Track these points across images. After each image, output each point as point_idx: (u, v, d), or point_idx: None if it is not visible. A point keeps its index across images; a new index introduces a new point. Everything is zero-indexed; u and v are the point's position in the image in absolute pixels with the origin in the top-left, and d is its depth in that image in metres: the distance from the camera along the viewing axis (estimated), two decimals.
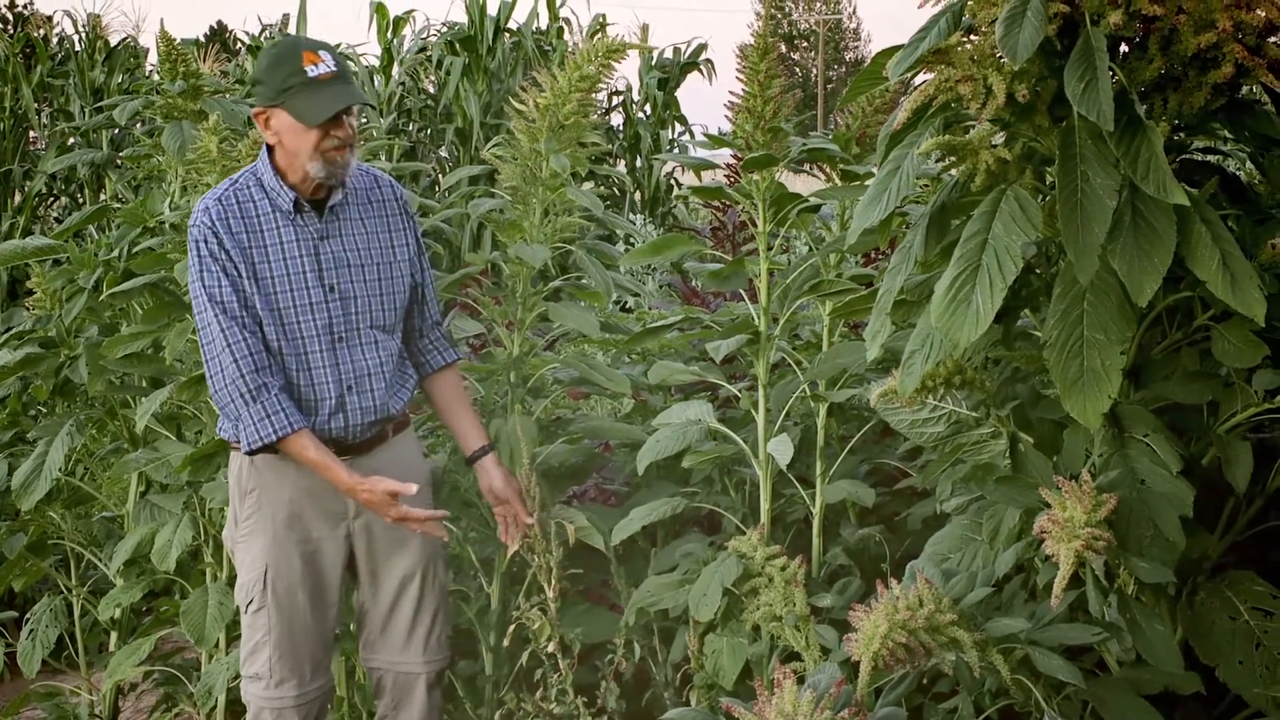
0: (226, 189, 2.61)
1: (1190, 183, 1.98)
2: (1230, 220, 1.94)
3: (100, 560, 3.71)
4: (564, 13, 12.08)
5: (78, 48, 10.52)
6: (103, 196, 9.41)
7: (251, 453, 2.58)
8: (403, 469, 2.68)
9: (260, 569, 2.65)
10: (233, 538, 2.72)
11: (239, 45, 12.82)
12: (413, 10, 10.71)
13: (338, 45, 10.48)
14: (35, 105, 10.19)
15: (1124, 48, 1.92)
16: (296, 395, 2.60)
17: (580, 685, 2.87)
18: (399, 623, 2.74)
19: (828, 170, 2.87)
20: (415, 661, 2.75)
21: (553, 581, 2.84)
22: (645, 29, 11.68)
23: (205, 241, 2.56)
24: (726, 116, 2.87)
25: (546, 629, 2.85)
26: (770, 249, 2.84)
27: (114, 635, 3.75)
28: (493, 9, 10.24)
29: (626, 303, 6.93)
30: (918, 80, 1.97)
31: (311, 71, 2.52)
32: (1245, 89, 1.91)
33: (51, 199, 10.11)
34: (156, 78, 3.77)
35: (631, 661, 2.88)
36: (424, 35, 10.96)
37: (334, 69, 2.54)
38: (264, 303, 2.57)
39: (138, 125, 4.86)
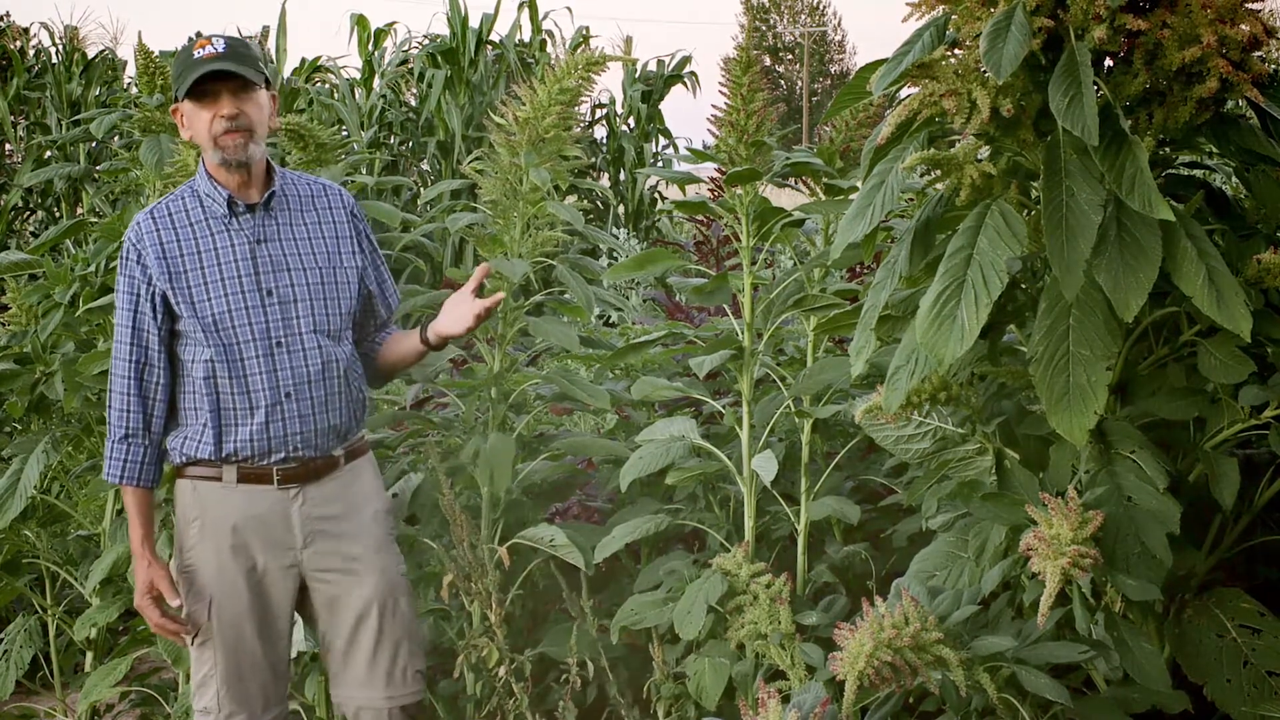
0: (162, 201, 2.62)
1: (1176, 197, 1.98)
2: (1216, 235, 1.94)
3: (76, 579, 3.66)
4: (547, 25, 12.10)
5: (55, 60, 10.47)
6: (79, 211, 9.36)
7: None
8: (352, 502, 2.64)
9: (205, 600, 2.60)
10: (179, 567, 2.65)
11: None
12: (394, 22, 10.70)
13: (317, 58, 10.48)
14: (11, 118, 10.13)
15: (1109, 62, 1.92)
16: (229, 404, 2.55)
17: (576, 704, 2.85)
18: (359, 657, 2.65)
19: (812, 184, 2.87)
20: (378, 696, 2.67)
21: (494, 607, 2.81)
22: (629, 41, 11.71)
23: (126, 258, 2.59)
24: (710, 130, 2.86)
25: (494, 655, 2.82)
26: (754, 264, 2.83)
27: (90, 655, 3.70)
28: (475, 21, 10.24)
29: (609, 318, 6.92)
30: (902, 94, 1.96)
31: (198, 54, 2.52)
32: (1230, 104, 1.91)
33: (28, 213, 10.05)
34: (134, 91, 3.74)
35: (612, 681, 2.85)
36: (405, 48, 10.96)
37: (219, 50, 2.52)
38: (192, 310, 2.54)
39: (115, 139, 4.82)
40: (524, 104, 3.00)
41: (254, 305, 2.55)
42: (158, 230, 2.56)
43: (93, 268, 3.46)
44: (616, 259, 8.23)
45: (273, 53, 10.50)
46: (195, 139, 2.58)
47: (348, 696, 2.70)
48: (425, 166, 10.43)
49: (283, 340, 2.56)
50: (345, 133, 8.95)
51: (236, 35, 2.63)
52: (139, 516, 2.61)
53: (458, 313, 2.66)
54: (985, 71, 1.79)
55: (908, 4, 1.93)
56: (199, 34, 2.78)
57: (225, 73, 2.50)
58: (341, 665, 2.69)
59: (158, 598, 2.58)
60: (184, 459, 2.60)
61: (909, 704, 2.07)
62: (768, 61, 48.69)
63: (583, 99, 3.07)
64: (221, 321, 2.53)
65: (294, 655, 2.83)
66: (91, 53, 10.62)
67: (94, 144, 8.90)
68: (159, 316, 2.56)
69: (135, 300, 2.56)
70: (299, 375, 2.57)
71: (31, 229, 9.93)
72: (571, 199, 3.39)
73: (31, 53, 10.86)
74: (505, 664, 2.79)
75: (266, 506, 2.58)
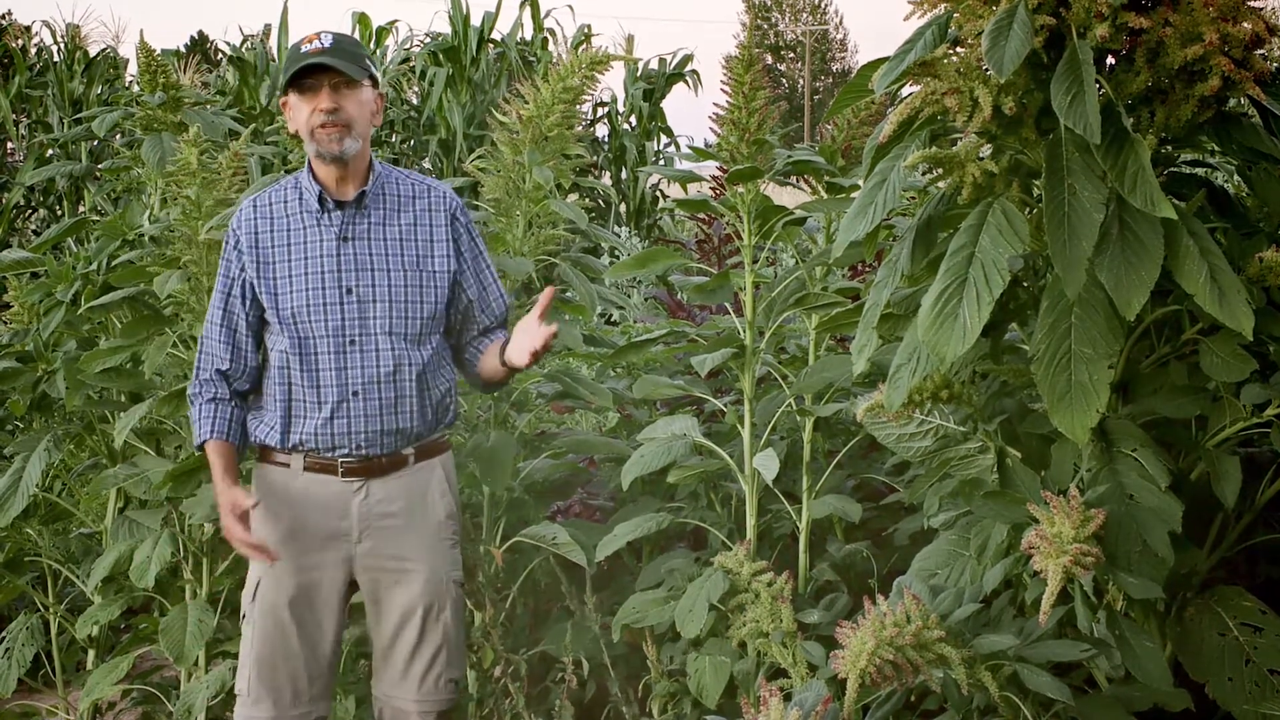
0: (268, 190, 2.69)
1: (1178, 195, 1.97)
2: (1218, 233, 1.94)
3: (78, 577, 3.66)
4: (548, 24, 12.10)
5: (56, 58, 10.49)
6: (81, 209, 9.38)
7: (199, 449, 2.66)
8: (415, 502, 2.62)
9: (254, 583, 2.62)
10: None
11: (220, 56, 12.80)
12: (396, 20, 10.72)
13: None
14: (13, 116, 10.14)
15: (1111, 60, 1.92)
16: (299, 396, 2.58)
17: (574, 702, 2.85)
18: (397, 657, 2.65)
19: (813, 183, 2.87)
20: (408, 699, 2.66)
21: (488, 607, 2.80)
22: (630, 40, 11.72)
23: (226, 241, 2.66)
24: (711, 128, 2.86)
25: (490, 654, 2.82)
26: (756, 262, 2.83)
27: (92, 653, 3.70)
28: (477, 20, 10.24)
29: (611, 316, 6.92)
30: (904, 93, 1.96)
31: (305, 49, 2.55)
32: (1232, 102, 1.91)
33: (29, 211, 10.06)
34: (136, 89, 3.74)
35: (613, 679, 2.86)
36: (407, 46, 10.97)
37: (325, 45, 2.54)
38: (272, 301, 2.57)
39: (117, 137, 4.82)
40: (527, 102, 3.01)
41: (332, 302, 2.56)
42: (255, 218, 2.62)
43: (94, 266, 3.46)
44: (618, 257, 8.23)
45: (274, 51, 10.50)
46: (298, 131, 2.61)
47: (382, 694, 2.70)
48: (427, 165, 10.44)
49: (356, 339, 2.57)
50: None
51: (341, 33, 2.64)
52: (219, 459, 2.60)
53: (519, 343, 2.59)
54: (987, 70, 1.79)
55: (909, 2, 1.93)
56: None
57: (325, 66, 2.52)
58: (381, 662, 2.69)
59: (243, 515, 2.53)
60: (257, 442, 2.65)
61: (910, 702, 2.07)
62: (769, 60, 48.65)
63: (585, 97, 3.08)
64: (299, 315, 2.56)
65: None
66: (93, 51, 10.64)
67: (96, 142, 8.91)
68: (248, 300, 2.61)
69: (229, 283, 2.63)
70: (369, 375, 2.56)
71: (33, 227, 9.94)
72: (574, 197, 3.39)
73: (34, 51, 10.87)
74: (501, 664, 2.79)
75: (328, 496, 2.59)
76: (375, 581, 2.63)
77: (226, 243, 2.65)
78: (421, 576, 2.62)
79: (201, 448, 2.65)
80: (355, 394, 2.56)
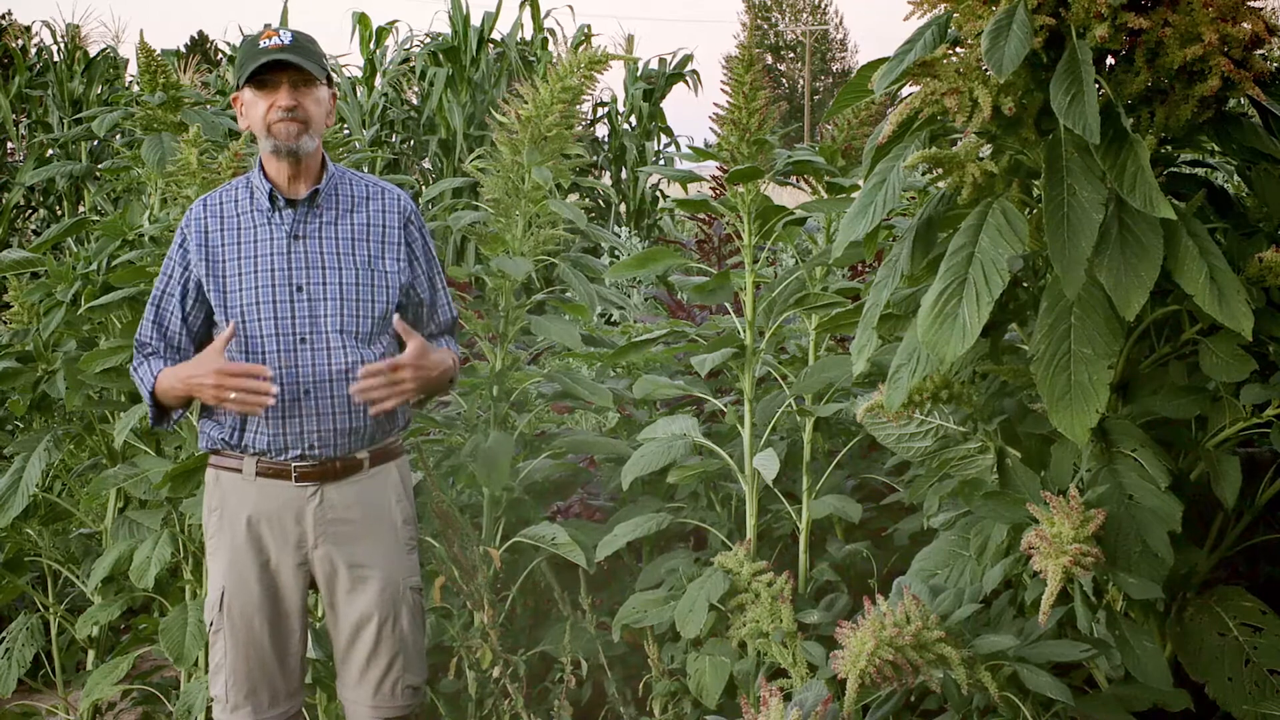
0: (218, 189, 2.66)
1: (1177, 196, 1.98)
2: (1217, 233, 1.94)
3: (78, 577, 3.66)
4: (548, 23, 12.11)
5: (56, 58, 10.47)
6: (81, 209, 9.37)
7: (154, 427, 2.66)
8: (371, 508, 2.61)
9: (219, 590, 2.60)
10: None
11: (220, 56, 12.79)
12: (396, 21, 10.69)
13: None
14: (13, 116, 10.14)
15: (1110, 60, 1.92)
16: None
17: (573, 702, 2.85)
18: (353, 662, 2.65)
19: (813, 183, 2.87)
20: (364, 703, 2.66)
21: (486, 608, 2.80)
22: (630, 40, 11.71)
23: (175, 240, 2.64)
24: (712, 128, 2.86)
25: (488, 655, 2.82)
26: (756, 262, 2.83)
27: (91, 654, 3.70)
28: (476, 19, 10.23)
29: (611, 316, 6.92)
30: (904, 93, 1.96)
31: (263, 44, 2.54)
32: (1232, 102, 1.91)
33: (29, 211, 10.06)
34: (136, 89, 3.74)
35: (610, 679, 2.86)
36: (407, 46, 10.95)
37: (285, 42, 2.53)
38: (221, 299, 2.56)
39: (117, 137, 4.83)
40: (526, 102, 3.01)
41: (282, 300, 2.55)
42: (205, 217, 2.61)
43: (94, 266, 3.46)
44: (618, 257, 8.23)
45: None
46: (251, 127, 2.60)
47: (343, 695, 2.71)
48: (427, 165, 10.43)
49: (307, 337, 2.55)
50: (347, 131, 8.95)
51: (298, 30, 2.64)
52: (174, 375, 2.55)
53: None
54: (987, 70, 1.79)
55: (909, 2, 1.93)
56: (267, 25, 2.80)
57: (287, 63, 2.51)
58: (340, 665, 2.70)
59: (220, 369, 2.46)
60: (209, 445, 2.63)
61: (910, 702, 2.07)
62: (769, 60, 48.65)
63: (584, 97, 3.08)
64: (248, 313, 2.54)
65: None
66: (93, 51, 10.62)
67: (96, 142, 8.90)
68: (188, 300, 2.60)
69: (168, 281, 2.61)
70: (320, 373, 2.55)
71: (33, 227, 9.93)
72: (573, 197, 3.40)
73: (34, 51, 10.86)
74: (499, 665, 2.79)
75: (281, 502, 2.57)
76: (332, 586, 2.62)
77: (174, 242, 2.63)
78: (378, 584, 2.61)
79: (153, 395, 2.59)
80: (307, 392, 2.54)
